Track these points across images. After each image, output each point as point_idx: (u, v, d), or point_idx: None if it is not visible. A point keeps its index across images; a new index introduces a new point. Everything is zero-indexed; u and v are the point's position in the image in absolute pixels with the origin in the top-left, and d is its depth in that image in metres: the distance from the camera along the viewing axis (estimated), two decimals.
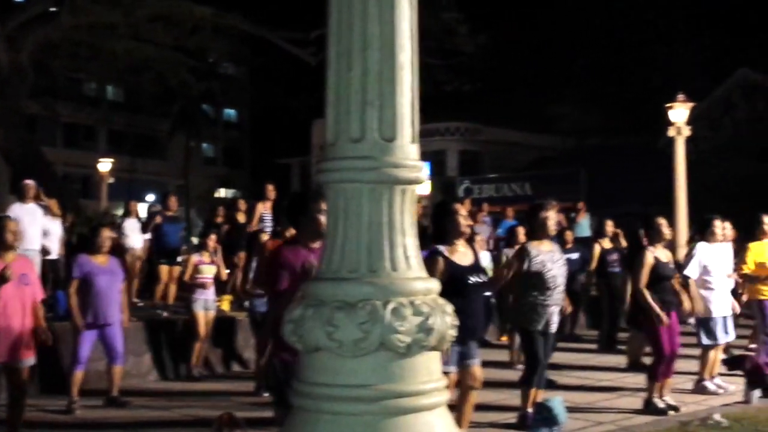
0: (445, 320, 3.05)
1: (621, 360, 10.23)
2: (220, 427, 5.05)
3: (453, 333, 3.11)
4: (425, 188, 30.90)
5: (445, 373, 5.64)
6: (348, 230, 3.06)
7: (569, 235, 12.53)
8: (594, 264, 11.73)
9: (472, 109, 34.96)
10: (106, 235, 7.98)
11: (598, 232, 12.40)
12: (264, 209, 11.80)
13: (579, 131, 37.77)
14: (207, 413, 7.35)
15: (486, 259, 11.83)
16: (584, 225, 16.88)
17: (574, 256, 12.07)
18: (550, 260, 6.84)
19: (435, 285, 3.18)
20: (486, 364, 9.59)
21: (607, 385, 9.01)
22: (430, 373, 3.06)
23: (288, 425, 3.15)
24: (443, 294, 5.57)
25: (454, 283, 5.64)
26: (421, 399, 3.00)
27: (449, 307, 3.13)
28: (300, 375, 3.12)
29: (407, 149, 3.11)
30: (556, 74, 38.02)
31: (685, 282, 8.33)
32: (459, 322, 5.68)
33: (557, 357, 10.12)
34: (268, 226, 11.53)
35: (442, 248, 5.86)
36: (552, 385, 8.24)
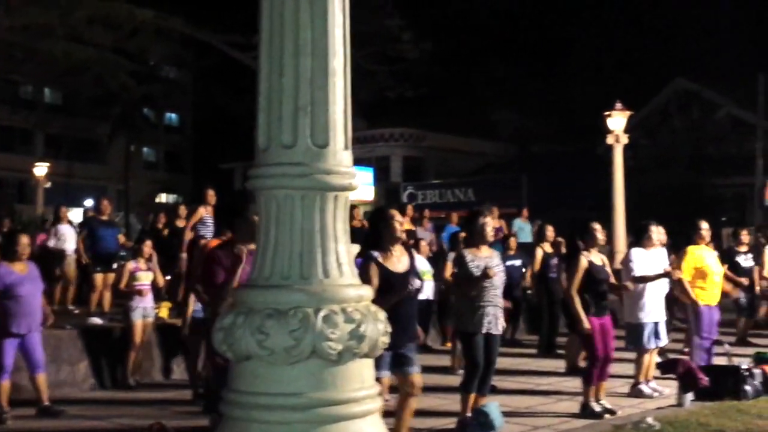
0: (378, 327, 3.05)
1: (560, 364, 10.33)
2: None
3: (385, 340, 3.11)
4: (369, 194, 30.96)
5: (378, 379, 5.70)
6: (280, 237, 3.04)
7: (513, 242, 12.65)
8: (537, 267, 11.83)
9: (416, 115, 35.09)
10: (25, 241, 7.75)
11: (539, 237, 12.53)
12: (205, 213, 11.65)
13: (522, 138, 38.21)
14: (142, 422, 7.22)
15: (426, 265, 11.89)
16: (526, 230, 17.07)
17: (517, 262, 12.18)
18: (488, 265, 6.89)
19: (367, 292, 3.18)
20: (427, 369, 9.66)
21: (546, 390, 9.08)
22: (362, 381, 3.05)
23: None
24: (377, 301, 5.65)
25: (388, 290, 5.67)
26: (353, 406, 2.99)
27: (382, 314, 3.13)
28: (230, 384, 3.08)
29: (340, 156, 3.11)
30: (499, 81, 38.41)
31: (619, 286, 8.45)
32: (392, 328, 5.74)
33: (498, 362, 10.17)
34: (209, 231, 11.39)
35: (376, 254, 5.85)
36: (493, 390, 8.29)
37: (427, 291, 11.14)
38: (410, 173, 35.33)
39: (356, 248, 9.58)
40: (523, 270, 12.43)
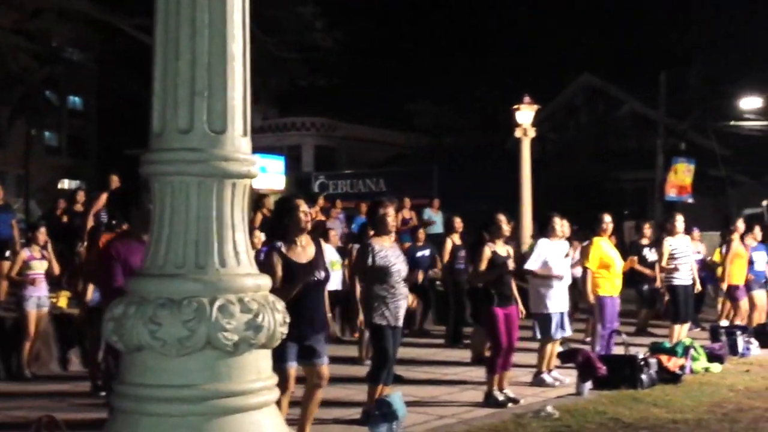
0: (276, 317, 3.00)
1: (467, 354, 10.46)
2: (39, 429, 4.78)
3: (284, 330, 3.06)
4: (280, 183, 30.68)
5: (284, 370, 5.66)
6: (174, 225, 2.96)
7: (422, 233, 12.74)
8: (446, 258, 11.94)
9: (329, 105, 34.97)
10: None
11: (448, 228, 12.64)
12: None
13: (434, 130, 38.51)
14: (37, 415, 6.96)
15: (335, 255, 11.86)
16: (438, 221, 17.23)
17: (426, 252, 12.28)
18: (394, 255, 6.91)
19: (266, 282, 3.12)
20: (335, 359, 9.66)
21: (452, 379, 9.18)
22: (258, 372, 3.00)
23: (108, 428, 3.01)
24: (281, 290, 5.60)
25: (291, 280, 5.63)
26: (249, 398, 2.94)
27: (280, 304, 3.07)
28: (122, 376, 2.98)
29: (238, 142, 3.04)
30: (413, 72, 38.62)
31: (523, 276, 8.61)
32: (299, 319, 5.69)
33: (406, 352, 10.26)
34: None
35: (279, 244, 5.80)
36: (399, 380, 8.33)
37: (336, 282, 11.12)
38: (322, 163, 35.19)
39: (262, 237, 9.50)
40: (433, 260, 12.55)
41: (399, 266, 6.93)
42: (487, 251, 7.80)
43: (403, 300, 6.96)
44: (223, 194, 2.99)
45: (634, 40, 34.73)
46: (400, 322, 6.96)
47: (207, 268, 2.95)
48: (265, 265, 5.63)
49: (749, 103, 27.44)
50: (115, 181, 11.67)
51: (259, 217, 14.32)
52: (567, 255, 9.08)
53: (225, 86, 2.97)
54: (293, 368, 5.80)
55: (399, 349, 7.35)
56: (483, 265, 7.75)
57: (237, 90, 3.02)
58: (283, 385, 5.77)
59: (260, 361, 3.02)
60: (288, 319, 3.12)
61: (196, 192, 2.96)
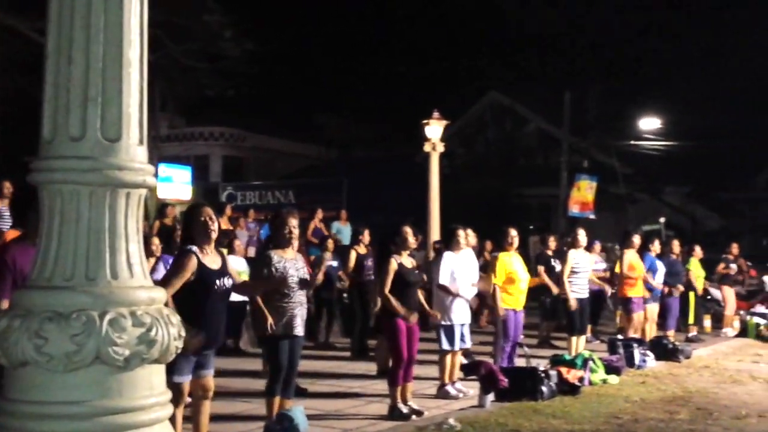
0: (170, 331, 2.92)
1: (372, 367, 10.45)
2: None
3: (179, 344, 2.97)
4: (186, 193, 30.14)
5: (178, 384, 5.53)
6: (64, 235, 2.84)
7: (330, 244, 12.70)
8: (350, 268, 11.93)
9: (238, 115, 34.54)
10: None
11: (355, 240, 12.65)
12: (1, 206, 10.95)
13: (345, 142, 38.54)
14: None
15: (242, 265, 11.69)
16: (345, 233, 17.21)
17: (335, 263, 12.25)
18: (293, 266, 6.85)
19: (160, 294, 3.03)
20: (239, 373, 9.53)
21: (357, 392, 9.14)
22: (151, 388, 2.91)
23: None
24: (188, 296, 5.50)
25: (201, 286, 5.55)
26: (140, 415, 2.84)
27: (175, 318, 2.99)
28: (6, 392, 2.85)
29: (133, 151, 2.95)
30: (324, 85, 38.59)
31: (430, 287, 8.67)
32: (201, 327, 5.55)
33: (310, 365, 10.20)
34: (7, 224, 10.69)
35: (195, 248, 5.69)
36: (303, 394, 8.25)
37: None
38: (230, 173, 34.69)
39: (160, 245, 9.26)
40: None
41: (297, 278, 6.87)
42: (393, 264, 7.82)
43: (300, 308, 6.88)
44: (117, 204, 2.89)
45: (541, 60, 35.64)
46: (298, 331, 6.86)
47: (98, 280, 2.84)
48: (179, 265, 5.59)
49: (648, 123, 28.47)
50: (7, 188, 11.26)
51: (157, 224, 14.05)
52: (468, 260, 9.15)
53: (120, 93, 2.88)
54: (187, 382, 5.67)
55: (303, 361, 7.28)
56: (389, 277, 7.77)
57: (133, 97, 2.93)
58: (176, 399, 5.64)
59: (153, 376, 2.92)
60: (183, 333, 3.03)
61: (87, 202, 2.85)
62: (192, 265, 5.58)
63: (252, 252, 14.83)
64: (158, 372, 2.96)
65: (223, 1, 22.32)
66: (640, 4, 35.92)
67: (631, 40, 34.61)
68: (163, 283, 5.57)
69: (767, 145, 35.09)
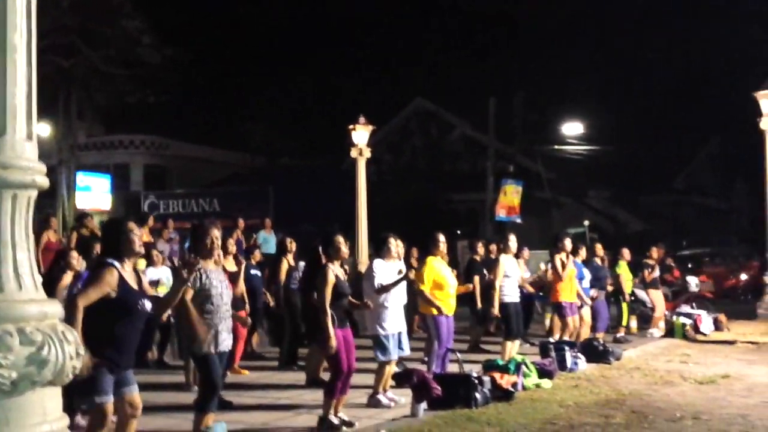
0: (65, 350, 2.58)
1: (301, 377, 10.17)
2: None
3: (76, 364, 2.64)
4: (106, 203, 29.26)
5: (101, 405, 5.16)
6: None
7: (257, 254, 12.38)
8: (282, 280, 11.64)
9: (160, 123, 33.79)
10: None
11: (282, 249, 12.34)
12: None
13: (270, 150, 38.11)
14: None
15: (165, 275, 11.29)
16: (271, 242, 16.85)
17: (259, 272, 11.92)
18: (217, 279, 6.57)
19: (54, 308, 2.69)
20: (162, 386, 9.14)
21: (285, 403, 8.83)
22: (44, 413, 2.56)
23: None
24: (111, 314, 5.15)
25: (123, 306, 5.24)
26: None
27: (72, 335, 2.65)
28: None
29: (20, 147, 2.61)
30: (249, 92, 38.05)
31: (361, 305, 8.42)
32: (116, 348, 5.22)
33: (236, 376, 9.88)
34: None
35: (117, 263, 5.33)
36: (228, 407, 7.94)
37: None
38: (152, 182, 33.88)
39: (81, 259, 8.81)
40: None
41: (221, 290, 6.58)
42: (331, 275, 7.56)
43: (225, 322, 6.58)
44: (1, 207, 2.55)
45: (466, 66, 35.89)
46: (225, 347, 6.57)
47: None
48: (98, 278, 5.23)
49: (571, 128, 28.87)
50: None
51: (75, 236, 13.47)
52: (400, 272, 8.97)
53: (4, 82, 2.55)
54: (111, 402, 5.31)
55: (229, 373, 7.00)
56: (329, 289, 7.51)
57: (19, 87, 2.59)
58: (100, 421, 5.28)
59: (47, 401, 2.57)
60: (82, 351, 2.70)
61: None
62: (112, 280, 5.23)
63: (176, 262, 14.38)
64: (53, 396, 2.62)
65: (142, 7, 21.78)
66: (562, 12, 36.53)
67: (554, 46, 35.14)
68: (79, 294, 5.23)
69: (685, 149, 36.09)
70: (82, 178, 27.71)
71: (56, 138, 26.44)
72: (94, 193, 29.28)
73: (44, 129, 28.04)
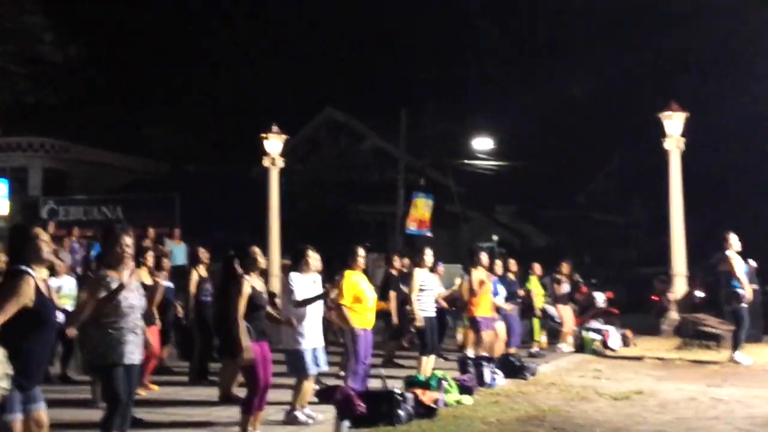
0: None
1: (213, 392, 9.86)
2: None
3: (5, 385, 2.36)
4: (3, 208, 27.97)
5: (7, 423, 4.80)
6: None
7: (166, 264, 11.97)
8: (193, 291, 11.28)
9: (61, 125, 32.53)
10: None
11: (193, 260, 11.98)
12: None
13: (174, 156, 37.25)
14: None
15: (70, 286, 10.92)
16: (179, 253, 16.40)
17: (170, 284, 11.57)
18: (128, 288, 6.25)
19: None
20: (67, 402, 8.69)
21: (198, 421, 8.52)
22: None
23: None
24: (17, 327, 4.80)
25: (37, 318, 4.92)
26: None
27: (1, 353, 2.37)
28: None
29: None
30: (153, 95, 37.09)
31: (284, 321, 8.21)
32: (26, 363, 4.89)
33: (146, 392, 9.48)
34: None
35: (32, 271, 4.99)
36: (139, 424, 7.61)
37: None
38: (52, 187, 32.55)
39: None
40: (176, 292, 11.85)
41: (131, 300, 6.27)
42: (247, 287, 7.34)
43: (133, 335, 6.27)
44: None
45: (377, 77, 36.01)
46: (135, 359, 6.25)
47: None
48: (15, 289, 4.91)
49: (481, 143, 29.25)
50: None
51: None
52: (314, 282, 8.77)
53: None
54: (19, 420, 4.96)
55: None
56: (244, 301, 7.28)
57: None
58: None
59: None
60: (11, 371, 2.42)
61: None
62: (29, 289, 4.92)
63: (79, 272, 13.80)
64: None
65: (44, 3, 20.90)
66: (473, 24, 37.12)
67: (463, 59, 35.63)
68: None
69: (586, 166, 37.12)
70: None
71: None
72: None
73: None
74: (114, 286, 6.17)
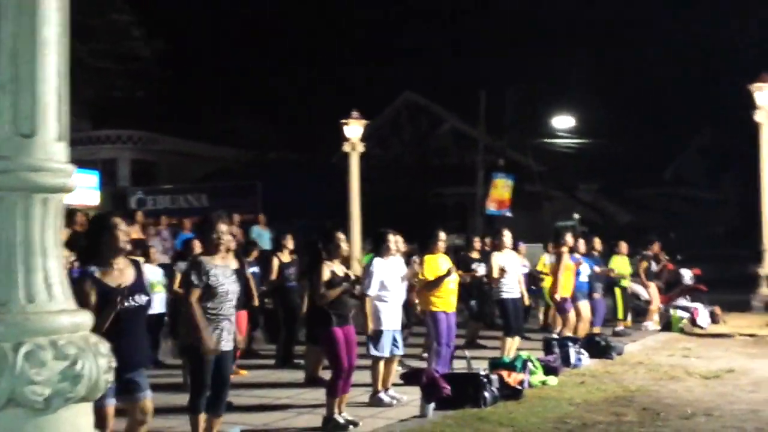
0: (99, 363, 2.43)
1: (299, 376, 10.04)
2: None
3: (109, 378, 2.50)
4: (94, 199, 28.92)
5: (102, 408, 5.01)
6: None
7: (254, 252, 12.23)
8: (274, 277, 11.50)
9: (148, 117, 33.46)
10: None
11: (277, 245, 12.20)
12: None
13: (258, 144, 37.86)
14: None
15: (157, 275, 11.13)
16: (265, 237, 16.70)
17: (256, 269, 11.77)
18: (223, 274, 6.39)
19: (86, 319, 2.54)
20: (158, 387, 8.95)
21: (285, 403, 8.70)
22: (77, 431, 2.42)
23: None
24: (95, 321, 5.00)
25: (107, 308, 5.07)
26: None
27: (104, 347, 2.50)
28: None
29: (51, 148, 2.45)
30: (236, 86, 37.76)
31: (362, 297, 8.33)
32: (118, 350, 5.07)
33: (233, 375, 9.70)
34: None
35: (93, 269, 5.16)
36: (228, 407, 7.79)
37: (160, 303, 10.46)
38: (140, 177, 33.55)
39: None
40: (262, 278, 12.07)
41: (227, 287, 6.42)
42: (326, 271, 7.45)
43: (230, 322, 6.43)
44: (32, 212, 2.40)
45: (456, 59, 35.78)
46: (226, 346, 6.40)
47: (10, 304, 2.34)
48: (76, 295, 5.06)
49: (562, 121, 28.81)
50: None
51: (66, 232, 13.25)
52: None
53: (34, 78, 2.38)
54: (112, 406, 5.18)
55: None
56: (322, 285, 7.40)
57: (51, 83, 2.43)
58: (101, 424, 5.11)
59: (79, 417, 2.42)
60: (114, 364, 2.56)
61: None
62: (90, 291, 5.11)
63: (166, 260, 14.18)
64: (85, 412, 2.47)
65: (132, 0, 21.51)
66: (552, 3, 36.49)
67: (544, 38, 35.07)
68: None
69: (673, 141, 36.14)
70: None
71: None
72: (80, 189, 28.93)
73: None
74: (212, 273, 6.29)
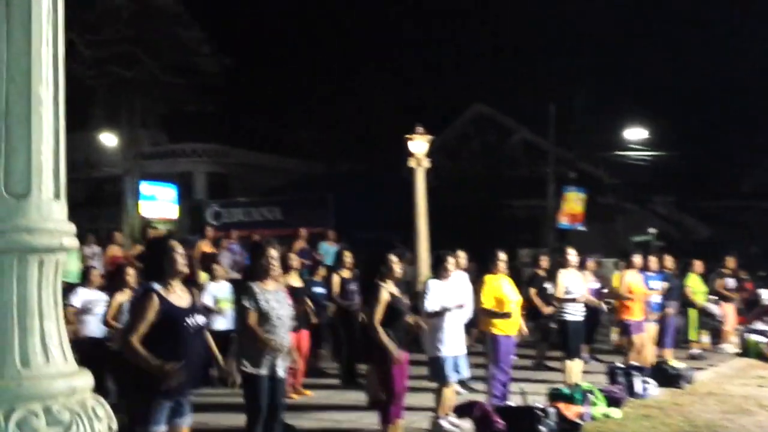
0: (95, 428, 2.36)
1: (363, 397, 9.84)
2: None
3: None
4: (173, 212, 29.52)
5: None
6: None
7: (321, 271, 12.24)
8: (335, 293, 11.45)
9: (220, 130, 34.05)
10: None
11: (338, 263, 12.15)
12: None
13: (327, 156, 38.07)
14: None
15: (225, 292, 11.13)
16: (332, 254, 16.67)
17: (322, 289, 11.72)
18: (275, 299, 6.38)
19: (84, 382, 2.46)
20: (218, 407, 8.94)
21: (347, 427, 8.55)
22: None
23: None
24: (156, 338, 5.01)
25: (170, 326, 5.08)
26: None
27: (102, 410, 2.43)
28: None
29: (47, 207, 2.39)
30: (306, 99, 38.12)
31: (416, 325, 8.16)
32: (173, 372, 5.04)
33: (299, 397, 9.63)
34: None
35: (157, 286, 5.18)
36: (291, 431, 7.71)
37: (226, 320, 10.56)
38: (215, 190, 34.10)
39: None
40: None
41: (280, 311, 6.37)
42: (385, 294, 7.30)
43: (284, 347, 6.38)
44: (27, 274, 2.34)
45: (524, 70, 35.36)
46: (280, 373, 6.35)
47: (3, 369, 2.28)
48: (137, 308, 5.13)
49: (634, 133, 28.10)
50: None
51: (139, 249, 13.43)
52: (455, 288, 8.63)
53: (29, 139, 2.33)
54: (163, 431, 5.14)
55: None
56: (381, 308, 7.27)
57: (46, 143, 2.38)
58: None
59: None
60: (115, 426, 2.48)
61: None
62: (153, 305, 5.10)
63: (236, 275, 14.25)
64: None
65: (201, 17, 21.91)
66: (622, 14, 35.76)
67: (615, 49, 34.37)
68: (128, 330, 5.12)
69: (751, 152, 34.94)
70: (147, 188, 27.97)
71: (121, 147, 26.81)
72: (159, 203, 29.54)
73: (110, 138, 28.53)
74: (261, 298, 6.28)
